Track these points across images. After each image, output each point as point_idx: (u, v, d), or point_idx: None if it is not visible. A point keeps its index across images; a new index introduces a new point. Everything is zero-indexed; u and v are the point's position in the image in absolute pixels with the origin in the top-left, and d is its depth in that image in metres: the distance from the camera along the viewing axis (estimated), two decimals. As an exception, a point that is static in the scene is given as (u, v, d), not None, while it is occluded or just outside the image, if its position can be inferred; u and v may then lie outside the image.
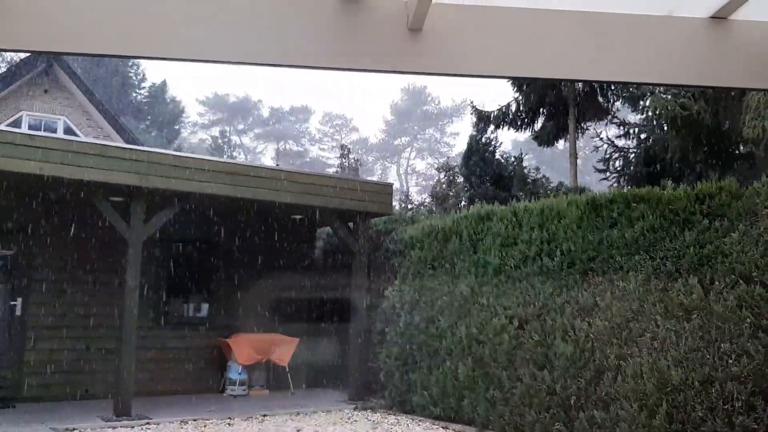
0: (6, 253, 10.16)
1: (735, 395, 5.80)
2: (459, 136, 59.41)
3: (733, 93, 11.56)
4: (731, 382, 5.83)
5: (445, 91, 73.02)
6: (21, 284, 10.16)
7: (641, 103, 15.23)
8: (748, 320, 5.89)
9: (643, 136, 15.32)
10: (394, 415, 9.77)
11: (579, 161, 18.52)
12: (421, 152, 61.28)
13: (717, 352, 6.02)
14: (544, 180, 18.34)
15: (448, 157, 35.82)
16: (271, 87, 75.32)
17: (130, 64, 41.81)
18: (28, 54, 16.79)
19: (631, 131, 15.60)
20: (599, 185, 16.84)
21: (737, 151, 12.98)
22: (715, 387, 5.93)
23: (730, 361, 5.89)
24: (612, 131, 17.60)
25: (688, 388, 6.11)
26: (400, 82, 64.25)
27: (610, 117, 17.64)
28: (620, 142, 16.06)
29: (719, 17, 2.29)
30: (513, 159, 18.67)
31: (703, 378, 6.03)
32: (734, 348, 5.92)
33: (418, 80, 61.65)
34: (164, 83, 44.10)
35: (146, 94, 43.38)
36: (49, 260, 10.32)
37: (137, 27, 2.13)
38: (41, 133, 10.51)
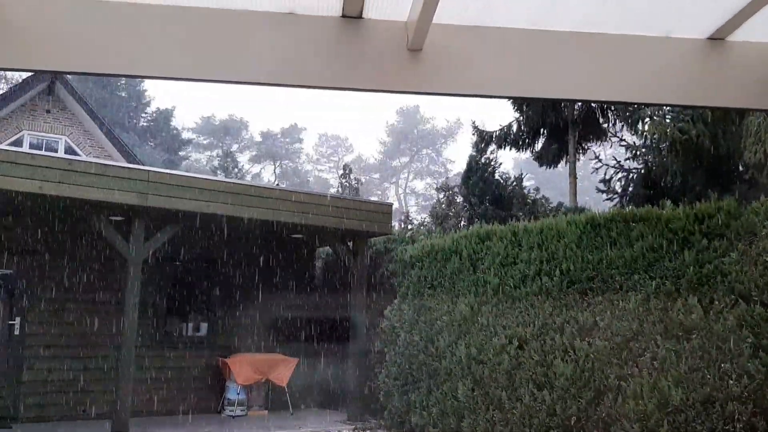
0: (5, 272, 10.15)
1: (736, 415, 5.77)
2: (456, 155, 59.69)
3: (733, 116, 11.59)
4: (732, 402, 5.81)
5: (441, 111, 73.32)
6: (20, 303, 10.13)
7: (639, 126, 15.30)
8: (749, 340, 5.88)
9: (647, 158, 15.37)
10: (394, 435, 9.71)
11: (578, 182, 18.54)
12: (419, 172, 61.44)
13: (717, 371, 6.00)
14: (543, 200, 18.37)
15: (447, 177, 35.92)
16: (268, 108, 75.71)
17: (137, 86, 42.08)
18: (29, 74, 16.89)
19: (636, 153, 15.64)
20: (599, 206, 16.87)
21: (736, 173, 13.01)
22: (716, 407, 5.91)
23: (731, 381, 5.87)
24: (616, 152, 17.64)
25: (688, 408, 6.08)
26: (395, 103, 64.65)
27: (617, 139, 17.68)
28: (627, 164, 16.09)
29: (717, 38, 2.32)
30: (513, 179, 18.72)
31: (703, 398, 6.00)
32: (735, 368, 5.90)
33: (413, 100, 62.00)
34: (169, 107, 44.42)
35: (151, 117, 43.62)
36: (48, 279, 10.30)
37: (137, 46, 2.15)
38: (42, 152, 10.52)
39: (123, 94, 41.05)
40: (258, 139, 61.59)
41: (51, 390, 10.09)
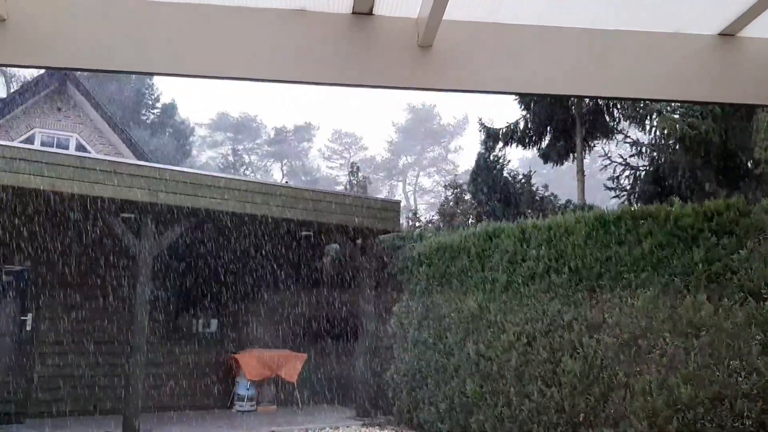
0: (17, 269, 10.22)
1: (745, 413, 5.76)
2: (464, 153, 59.62)
3: (742, 112, 11.53)
4: (741, 400, 5.80)
5: (449, 108, 73.15)
6: (31, 299, 10.20)
7: (648, 121, 15.24)
8: (758, 337, 5.87)
9: (654, 154, 15.29)
10: (402, 431, 9.74)
11: (586, 179, 18.48)
12: (428, 170, 61.39)
13: (726, 369, 5.99)
14: (552, 198, 18.33)
15: (455, 175, 35.88)
16: (278, 105, 75.76)
17: (146, 85, 42.19)
18: (41, 72, 16.98)
19: (644, 150, 15.58)
20: (606, 203, 16.81)
21: (746, 170, 12.95)
22: (725, 404, 5.90)
23: (740, 379, 5.86)
24: (624, 150, 17.58)
25: (697, 406, 6.08)
26: (403, 100, 64.56)
27: (622, 137, 17.62)
28: (633, 161, 16.03)
29: (727, 34, 2.32)
30: (521, 177, 18.69)
31: (712, 395, 5.99)
32: (744, 365, 5.88)
33: (421, 98, 61.86)
34: (175, 103, 44.46)
35: (159, 113, 43.71)
36: (59, 276, 10.37)
37: (148, 43, 2.17)
38: (54, 149, 10.57)
39: (133, 90, 41.15)
40: (269, 136, 61.66)
41: (62, 386, 10.16)
